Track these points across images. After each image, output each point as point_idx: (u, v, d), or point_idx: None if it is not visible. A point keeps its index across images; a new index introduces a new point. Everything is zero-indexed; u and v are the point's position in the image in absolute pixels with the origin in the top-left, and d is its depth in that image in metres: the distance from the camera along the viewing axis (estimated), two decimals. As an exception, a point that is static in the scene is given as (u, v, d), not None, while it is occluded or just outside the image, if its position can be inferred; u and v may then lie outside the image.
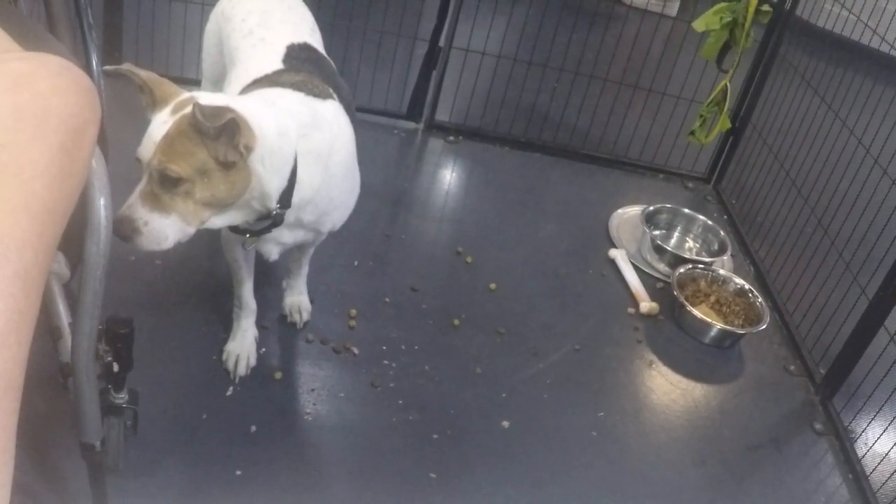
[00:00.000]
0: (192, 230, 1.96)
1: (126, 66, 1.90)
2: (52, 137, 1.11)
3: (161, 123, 1.87)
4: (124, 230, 1.88)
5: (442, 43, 3.98)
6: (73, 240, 1.52)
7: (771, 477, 2.68)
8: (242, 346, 2.59)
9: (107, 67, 1.91)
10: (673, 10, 6.16)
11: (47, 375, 1.88)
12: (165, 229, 1.91)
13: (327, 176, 2.18)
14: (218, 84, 2.68)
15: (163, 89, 1.92)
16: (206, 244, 2.66)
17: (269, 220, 2.11)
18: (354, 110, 2.43)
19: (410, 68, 4.14)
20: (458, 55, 4.04)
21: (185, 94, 1.93)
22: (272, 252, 2.34)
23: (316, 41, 2.61)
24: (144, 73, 1.91)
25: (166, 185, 1.88)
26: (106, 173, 1.45)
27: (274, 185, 2.01)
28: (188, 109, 1.85)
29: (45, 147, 1.09)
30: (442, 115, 4.18)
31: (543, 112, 4.37)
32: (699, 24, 3.78)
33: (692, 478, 2.61)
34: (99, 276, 1.51)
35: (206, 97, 1.93)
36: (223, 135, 1.84)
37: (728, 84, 3.79)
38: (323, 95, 2.25)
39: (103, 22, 3.75)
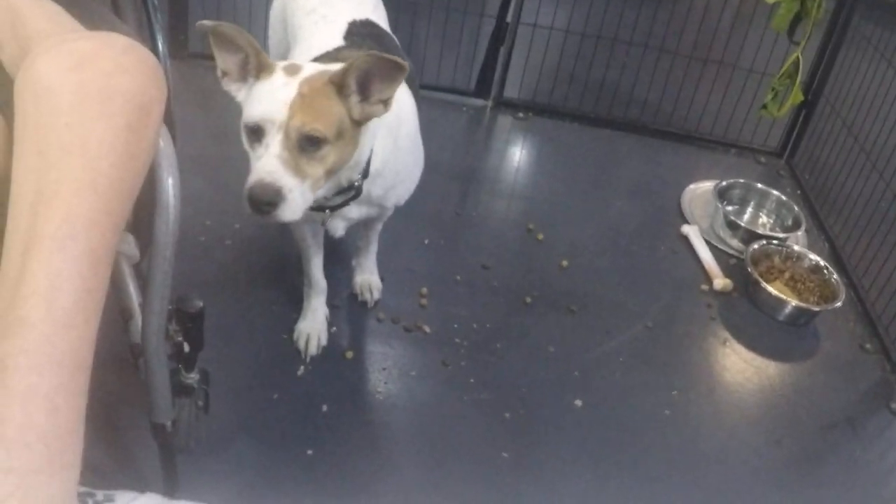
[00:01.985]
0: (311, 201, 1.90)
1: (225, 25, 1.83)
2: (117, 116, 1.10)
3: (283, 85, 1.82)
4: (267, 198, 1.78)
5: (509, 19, 3.95)
6: (142, 221, 1.52)
7: (846, 457, 2.63)
8: (313, 325, 2.59)
9: (205, 21, 1.83)
10: (744, -19, 6.06)
11: (118, 356, 1.89)
12: (301, 197, 1.84)
13: (395, 148, 2.17)
14: (284, 62, 2.68)
15: (261, 56, 1.88)
16: (274, 223, 2.67)
17: (351, 192, 2.08)
18: (418, 86, 2.42)
19: (478, 45, 4.12)
20: (526, 31, 4.01)
21: (283, 62, 1.91)
22: (338, 228, 2.31)
23: (379, 17, 2.59)
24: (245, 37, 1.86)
25: (306, 149, 1.82)
26: (174, 153, 1.45)
27: (366, 152, 2.01)
28: (320, 68, 1.85)
29: (110, 125, 1.09)
30: (510, 92, 4.15)
31: (613, 87, 4.31)
32: (770, -5, 3.70)
33: (768, 457, 2.57)
34: (168, 257, 1.51)
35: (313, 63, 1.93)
36: (357, 92, 1.84)
37: (800, 56, 3.70)
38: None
39: (168, 4, 3.78)
